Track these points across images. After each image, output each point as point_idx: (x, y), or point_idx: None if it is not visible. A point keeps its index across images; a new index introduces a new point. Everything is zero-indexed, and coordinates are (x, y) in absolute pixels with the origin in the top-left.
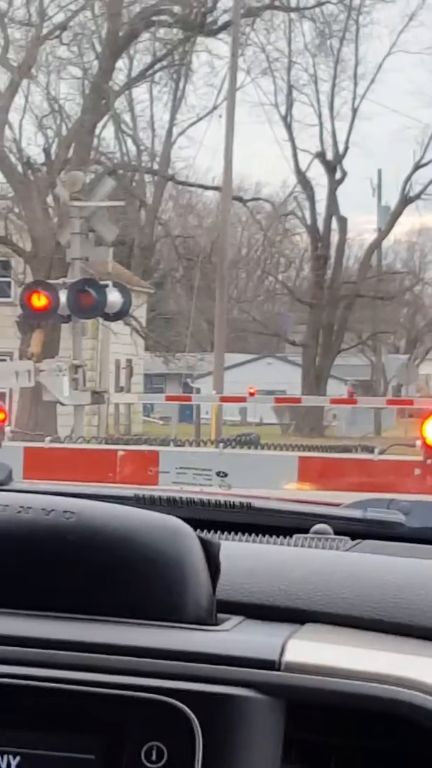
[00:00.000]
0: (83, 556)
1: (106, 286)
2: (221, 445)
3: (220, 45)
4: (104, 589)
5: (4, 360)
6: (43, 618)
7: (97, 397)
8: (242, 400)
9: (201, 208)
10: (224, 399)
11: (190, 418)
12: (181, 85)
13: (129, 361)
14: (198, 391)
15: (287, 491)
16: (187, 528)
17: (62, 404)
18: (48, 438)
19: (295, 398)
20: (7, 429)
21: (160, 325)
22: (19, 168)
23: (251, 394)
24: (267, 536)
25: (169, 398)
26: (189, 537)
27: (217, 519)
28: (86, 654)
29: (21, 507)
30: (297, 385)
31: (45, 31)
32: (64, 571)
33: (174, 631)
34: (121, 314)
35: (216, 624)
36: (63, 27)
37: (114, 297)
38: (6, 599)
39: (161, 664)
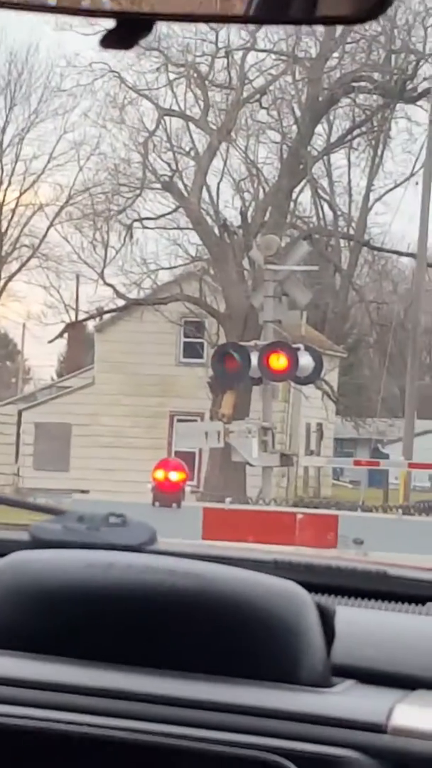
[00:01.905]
0: (202, 618)
1: (299, 349)
2: (400, 511)
3: (419, 111)
4: (223, 650)
5: (194, 420)
6: (161, 675)
7: (286, 459)
8: (430, 467)
9: (396, 274)
10: (413, 465)
11: (380, 482)
12: (379, 151)
13: (319, 424)
14: (387, 456)
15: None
16: (303, 594)
17: (251, 465)
18: (228, 499)
19: None
20: (188, 489)
21: (352, 390)
22: (216, 230)
23: None
24: (400, 603)
25: (357, 463)
26: (306, 604)
27: (352, 586)
28: (200, 711)
29: (146, 567)
30: None
31: (245, 94)
32: (184, 631)
33: (286, 692)
34: (313, 378)
35: (328, 686)
36: (263, 91)
37: (306, 360)
38: (127, 657)
39: (272, 723)
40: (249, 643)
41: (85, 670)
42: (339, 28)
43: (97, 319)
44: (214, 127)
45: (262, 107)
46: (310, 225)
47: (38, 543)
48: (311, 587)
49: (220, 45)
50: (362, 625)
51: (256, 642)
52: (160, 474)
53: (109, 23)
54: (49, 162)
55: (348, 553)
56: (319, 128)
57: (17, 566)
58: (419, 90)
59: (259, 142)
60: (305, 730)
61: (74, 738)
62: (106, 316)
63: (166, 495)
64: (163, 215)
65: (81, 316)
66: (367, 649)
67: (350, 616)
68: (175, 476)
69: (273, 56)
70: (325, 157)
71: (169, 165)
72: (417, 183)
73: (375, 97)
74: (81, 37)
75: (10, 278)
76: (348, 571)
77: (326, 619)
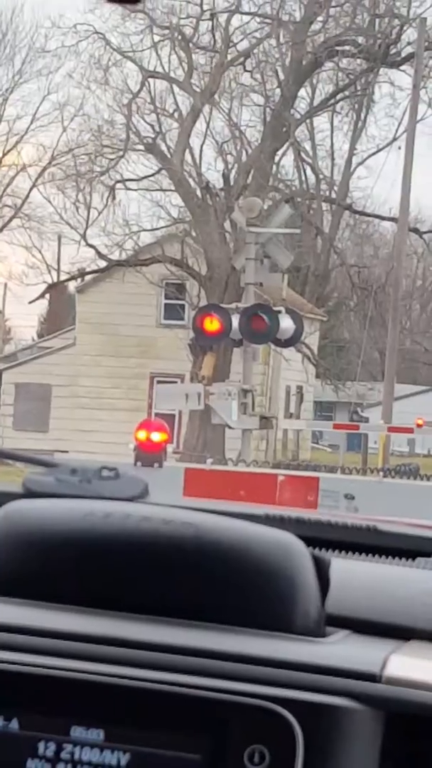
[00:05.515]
0: (199, 566)
1: (279, 312)
2: (381, 474)
3: (403, 76)
4: (217, 598)
5: (174, 382)
6: (158, 623)
7: (266, 422)
8: (410, 431)
9: (377, 238)
10: (392, 429)
11: (359, 446)
12: (362, 115)
13: (299, 387)
14: (367, 420)
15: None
16: (299, 544)
17: (230, 428)
18: (209, 460)
19: None
20: (170, 449)
21: (332, 353)
22: (198, 192)
23: (419, 426)
24: (389, 558)
25: (337, 426)
26: (301, 553)
27: (342, 540)
28: (196, 659)
29: (143, 517)
30: None
31: (229, 57)
32: (180, 579)
33: (281, 641)
34: (293, 341)
35: (323, 636)
36: (247, 54)
37: (286, 323)
38: (125, 604)
39: (267, 672)
40: (245, 590)
41: (82, 616)
42: None
43: (79, 280)
44: (197, 90)
45: (245, 70)
46: (293, 188)
47: (31, 495)
48: (302, 540)
49: (204, 7)
50: (356, 577)
51: (252, 590)
52: (142, 434)
53: None
54: (32, 123)
55: (337, 510)
56: (302, 91)
57: (14, 515)
58: (403, 54)
59: (243, 105)
60: (300, 678)
61: (72, 684)
62: (88, 277)
63: (148, 455)
64: (145, 177)
65: (62, 277)
66: (361, 600)
67: (344, 567)
68: (157, 437)
69: (257, 19)
70: (308, 121)
71: (152, 127)
72: (399, 147)
73: (359, 61)
74: None
75: None
76: (339, 525)
77: (321, 568)
